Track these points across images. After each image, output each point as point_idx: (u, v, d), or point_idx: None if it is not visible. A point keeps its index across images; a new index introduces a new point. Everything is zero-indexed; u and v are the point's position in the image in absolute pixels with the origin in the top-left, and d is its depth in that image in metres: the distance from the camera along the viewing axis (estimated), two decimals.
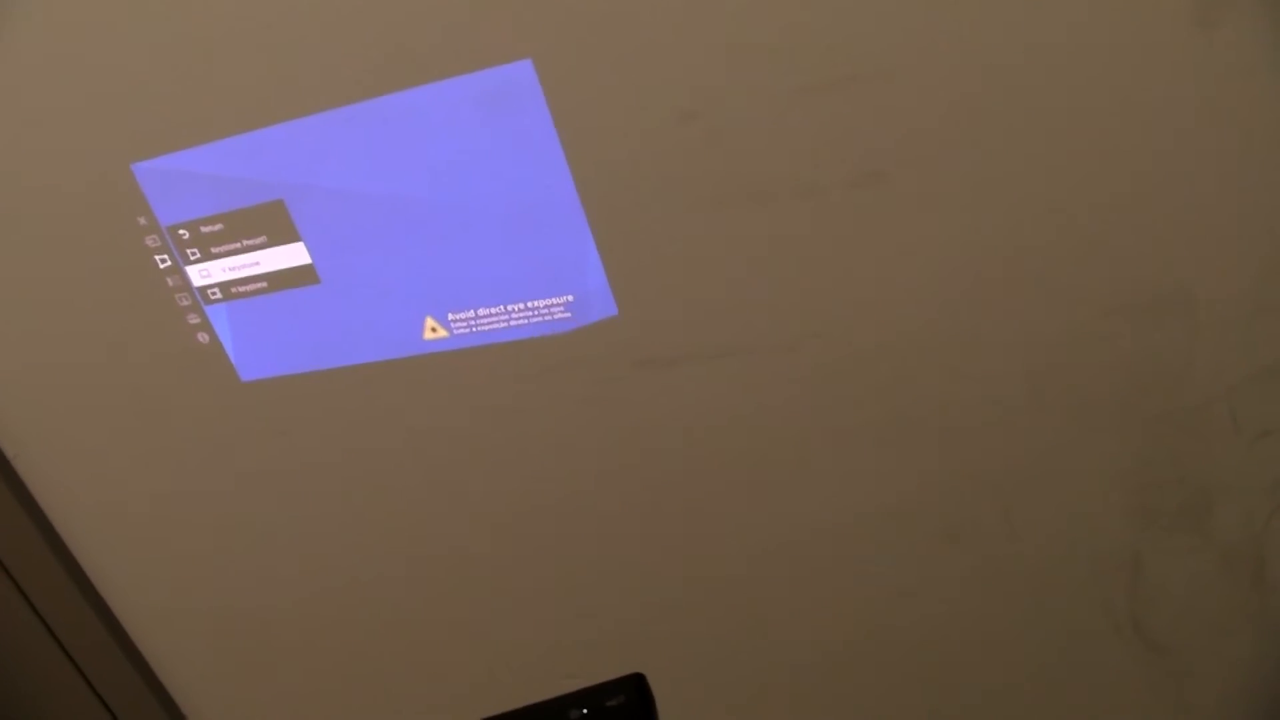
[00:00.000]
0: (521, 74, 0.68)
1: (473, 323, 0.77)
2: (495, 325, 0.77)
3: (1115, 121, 0.60)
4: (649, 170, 0.69)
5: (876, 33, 0.61)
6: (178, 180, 0.79)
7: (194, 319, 0.84)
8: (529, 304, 0.75)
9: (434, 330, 0.79)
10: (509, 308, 0.76)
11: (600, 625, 0.88)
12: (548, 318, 0.75)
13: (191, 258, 0.81)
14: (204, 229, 0.80)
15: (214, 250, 0.81)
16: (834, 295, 0.69)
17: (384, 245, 0.76)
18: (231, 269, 0.81)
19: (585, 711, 0.56)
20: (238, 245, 0.80)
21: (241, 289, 0.81)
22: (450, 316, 0.78)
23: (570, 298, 0.74)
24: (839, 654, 0.84)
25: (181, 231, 0.81)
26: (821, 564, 0.80)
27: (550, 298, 0.75)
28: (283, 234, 0.78)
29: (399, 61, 0.70)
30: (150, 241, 0.82)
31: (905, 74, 0.61)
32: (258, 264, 0.80)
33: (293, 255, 0.79)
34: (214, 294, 0.82)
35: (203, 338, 0.85)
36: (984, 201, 0.64)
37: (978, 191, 0.64)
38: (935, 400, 0.71)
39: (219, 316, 0.83)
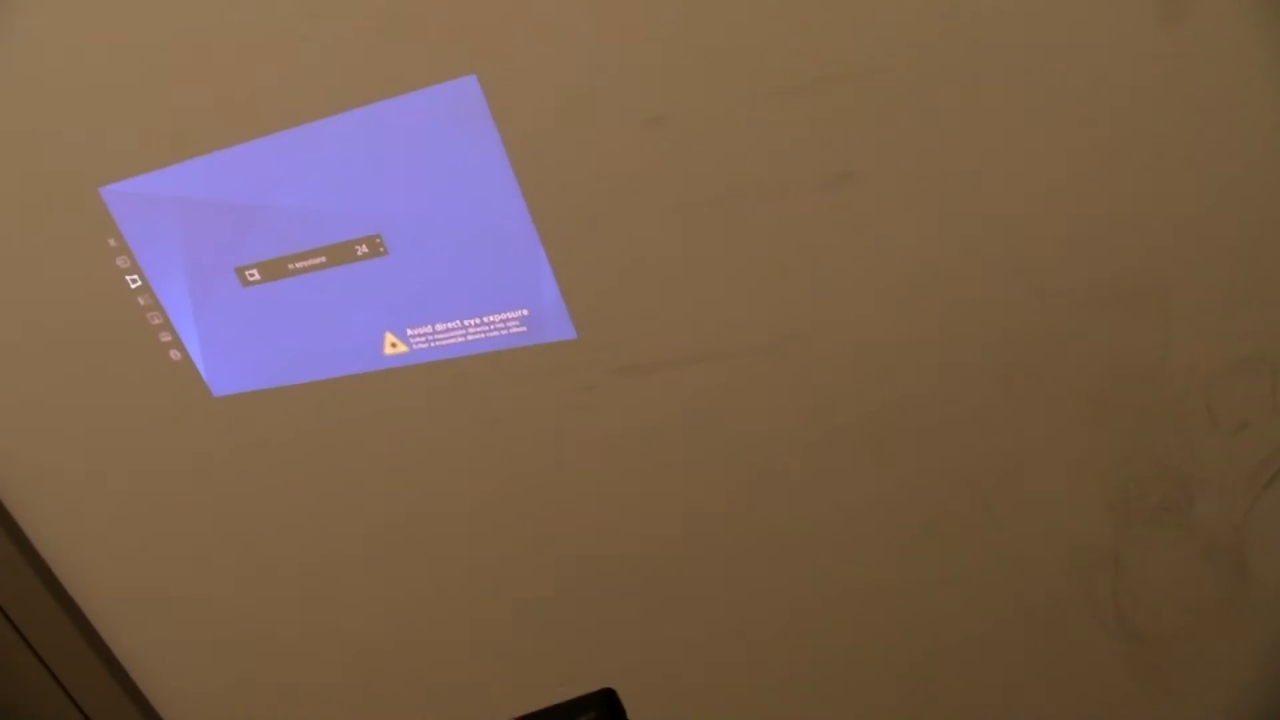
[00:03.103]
0: (467, 90, 0.68)
1: (430, 338, 0.78)
2: (453, 340, 0.77)
3: (1084, 117, 0.59)
4: (610, 179, 0.68)
5: (844, 33, 0.60)
6: (144, 202, 0.80)
7: (165, 337, 0.86)
8: (484, 319, 0.76)
9: (394, 345, 0.79)
10: (465, 323, 0.76)
11: (575, 635, 0.89)
12: (504, 332, 0.76)
13: None
14: None
15: None
16: (809, 296, 0.69)
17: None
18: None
19: None
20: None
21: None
22: (409, 331, 0.78)
23: (525, 312, 0.74)
24: (820, 654, 0.84)
25: None
26: (801, 564, 0.80)
27: (505, 312, 0.75)
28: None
29: (351, 80, 0.70)
30: (121, 262, 0.83)
31: (874, 74, 0.61)
32: None
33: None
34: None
35: (175, 355, 0.86)
36: (955, 199, 0.63)
37: (948, 190, 0.63)
38: (912, 398, 0.71)
39: (189, 333, 0.85)
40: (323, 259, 0.78)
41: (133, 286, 0.84)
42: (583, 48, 0.65)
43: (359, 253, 0.76)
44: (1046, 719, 0.79)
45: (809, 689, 0.86)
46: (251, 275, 0.80)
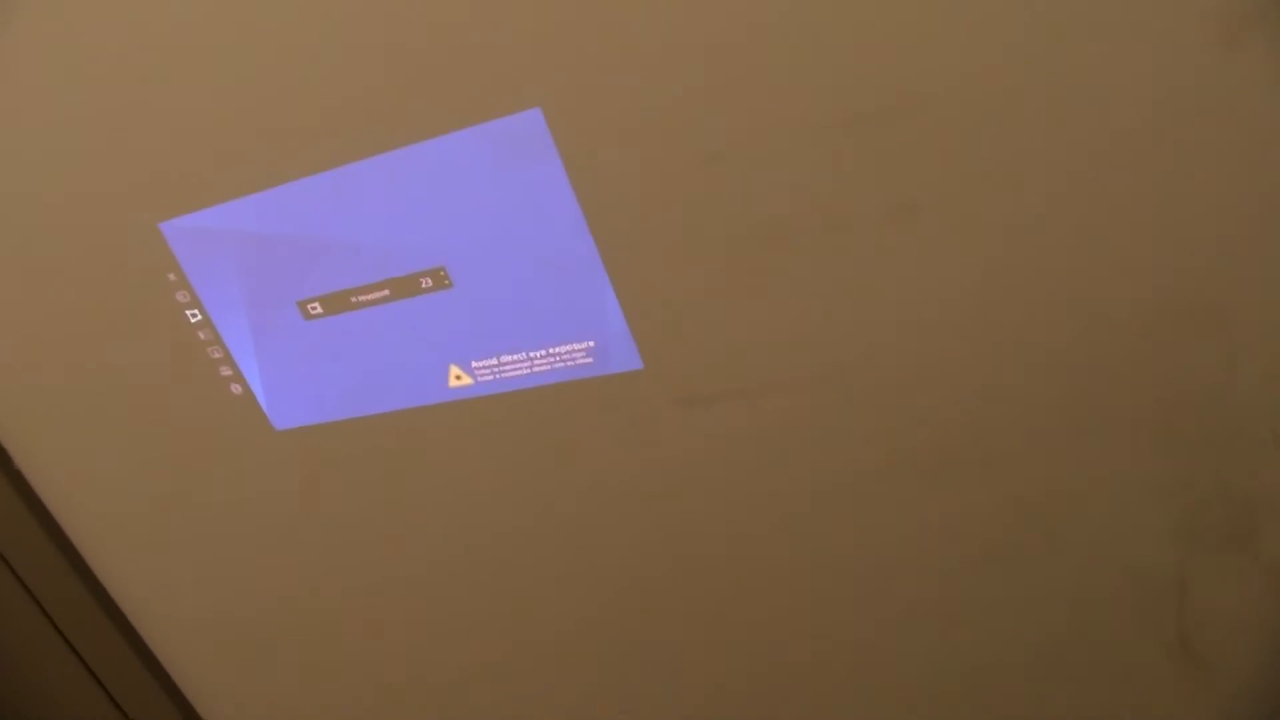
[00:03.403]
0: (531, 123, 0.68)
1: (496, 370, 0.78)
2: (519, 372, 0.77)
3: (1147, 143, 0.58)
4: (670, 212, 0.68)
5: (903, 63, 0.60)
6: (204, 237, 0.80)
7: (226, 371, 0.86)
8: (551, 350, 0.75)
9: (459, 378, 0.79)
10: (531, 354, 0.76)
11: (637, 668, 0.89)
12: (570, 363, 0.75)
13: None
14: None
15: None
16: (870, 327, 0.68)
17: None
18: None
19: None
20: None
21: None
22: (474, 364, 0.78)
23: (591, 343, 0.74)
24: (878, 683, 0.83)
25: None
26: (859, 595, 0.79)
27: (571, 343, 0.75)
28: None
29: (414, 114, 0.70)
30: (180, 297, 0.84)
31: (933, 104, 0.60)
32: None
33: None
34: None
35: (236, 389, 0.86)
36: (1016, 228, 0.62)
37: (1010, 218, 0.62)
38: (973, 427, 0.70)
39: (250, 367, 0.85)
40: (386, 292, 0.78)
41: (193, 321, 0.84)
42: (644, 80, 0.64)
43: (423, 285, 0.76)
44: None
45: (867, 714, 0.85)
46: (314, 309, 0.80)
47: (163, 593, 0.99)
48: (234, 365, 0.85)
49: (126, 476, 0.93)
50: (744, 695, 0.87)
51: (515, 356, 0.77)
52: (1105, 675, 0.76)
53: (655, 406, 0.76)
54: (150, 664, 1.00)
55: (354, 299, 0.79)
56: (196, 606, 0.99)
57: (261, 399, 0.86)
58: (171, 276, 0.83)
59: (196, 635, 1.01)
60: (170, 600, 1.00)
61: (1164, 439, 0.67)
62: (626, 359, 0.74)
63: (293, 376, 0.84)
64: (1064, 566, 0.73)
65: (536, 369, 0.76)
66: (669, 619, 0.85)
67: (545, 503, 0.83)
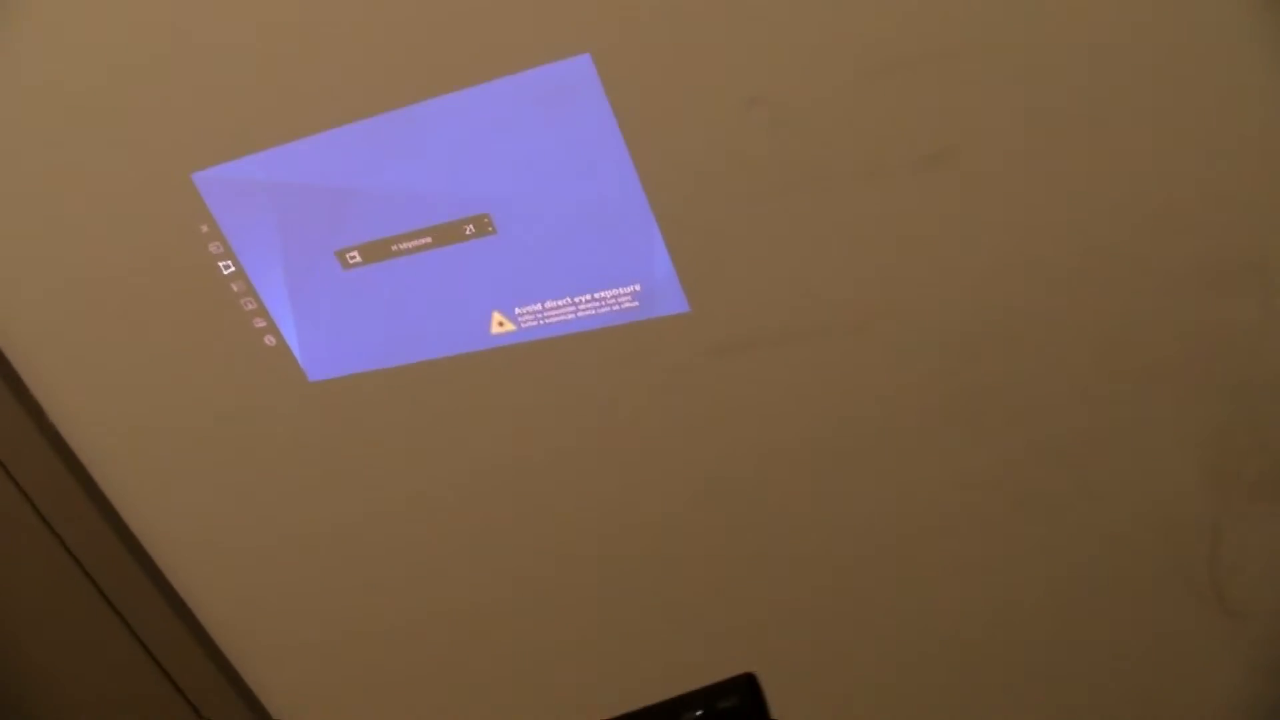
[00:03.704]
0: (581, 69, 0.69)
1: (540, 315, 0.79)
2: (563, 317, 0.78)
3: (1188, 93, 0.59)
4: (714, 157, 0.69)
5: (940, 11, 0.60)
6: (238, 187, 0.80)
7: (260, 323, 0.86)
8: (596, 295, 0.76)
9: (501, 324, 0.80)
10: (576, 299, 0.77)
11: (690, 621, 0.89)
12: (615, 308, 0.76)
13: None
14: None
15: None
16: (905, 274, 0.70)
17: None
18: None
19: (699, 713, 0.56)
20: None
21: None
22: (517, 310, 0.79)
23: (637, 287, 0.75)
24: (913, 629, 0.85)
25: None
26: (894, 543, 0.81)
27: (617, 288, 0.76)
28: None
29: (458, 61, 0.70)
30: (214, 249, 0.83)
31: (971, 51, 0.61)
32: None
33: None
34: None
35: (270, 341, 0.86)
36: (1054, 176, 0.64)
37: (1048, 167, 0.63)
38: (1008, 375, 0.71)
39: (284, 318, 0.85)
40: (428, 239, 0.78)
41: (225, 273, 0.84)
42: (691, 26, 0.65)
43: (467, 232, 0.77)
44: (1142, 691, 0.80)
45: (903, 661, 0.87)
46: (352, 258, 0.80)
47: (195, 546, 0.99)
48: (268, 317, 0.85)
49: (157, 431, 0.93)
50: (787, 644, 0.89)
51: (559, 302, 0.78)
52: (1137, 622, 0.78)
53: (698, 351, 0.77)
54: (178, 607, 1.00)
55: (394, 247, 0.79)
56: (227, 559, 0.99)
57: (296, 350, 0.86)
58: (204, 228, 0.82)
59: (232, 588, 1.00)
60: (203, 552, 0.99)
61: (1199, 389, 0.68)
62: (673, 302, 0.75)
63: (329, 327, 0.84)
64: (1097, 513, 0.75)
65: (581, 314, 0.77)
66: (706, 564, 0.87)
67: (589, 448, 0.84)
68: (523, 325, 0.80)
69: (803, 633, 0.88)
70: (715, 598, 0.88)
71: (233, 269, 0.84)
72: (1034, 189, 0.64)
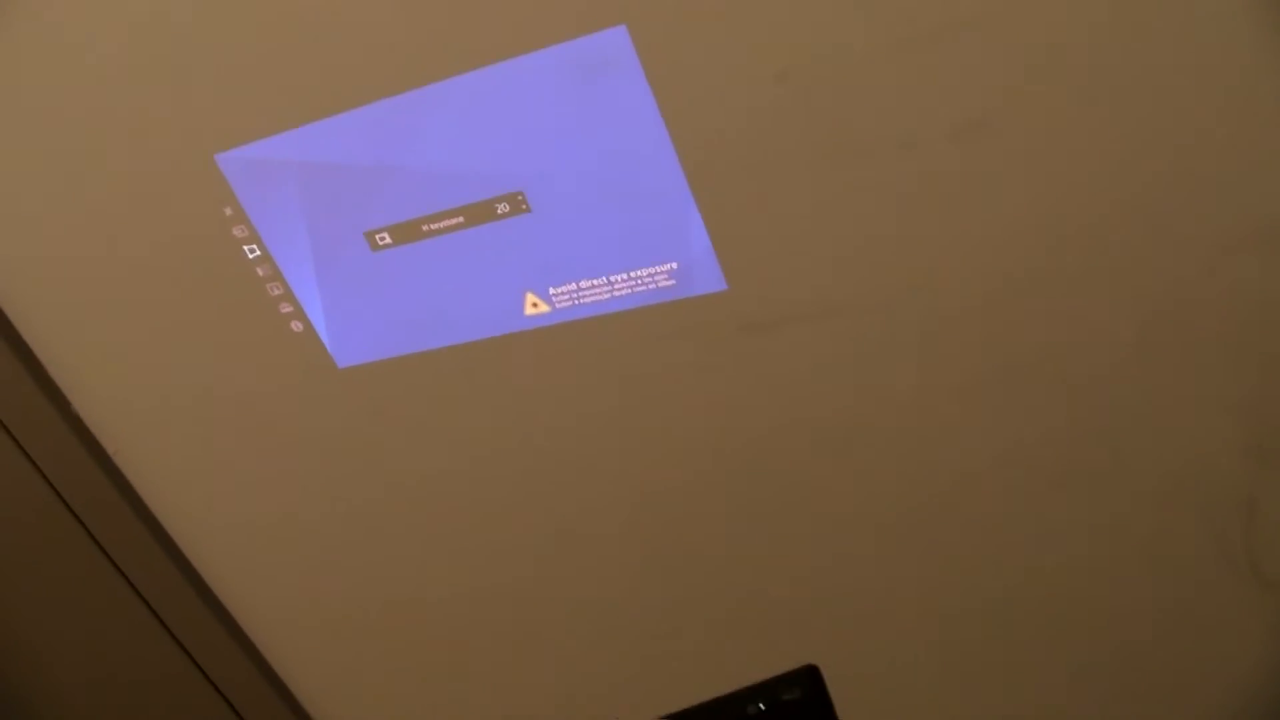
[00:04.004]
0: (617, 41, 0.67)
1: (575, 295, 0.77)
2: (598, 297, 0.76)
3: (1222, 57, 0.58)
4: (747, 131, 0.68)
5: None
6: (264, 168, 0.78)
7: (286, 308, 0.84)
8: (632, 274, 0.75)
9: (535, 305, 0.78)
10: (612, 278, 0.76)
11: (728, 600, 0.88)
12: (652, 286, 0.75)
13: None
14: None
15: None
16: (939, 247, 0.68)
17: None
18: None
19: (762, 706, 0.56)
20: None
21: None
22: (551, 290, 0.77)
23: (674, 265, 0.74)
24: (954, 606, 0.84)
25: None
26: (933, 519, 0.80)
27: (654, 266, 0.74)
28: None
29: (489, 34, 0.69)
30: (238, 232, 0.82)
31: (1001, 20, 0.60)
32: None
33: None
34: None
35: (297, 326, 0.85)
36: (1089, 144, 0.62)
37: (1082, 135, 0.62)
38: (1044, 347, 0.70)
39: (312, 303, 0.83)
40: (460, 219, 0.76)
41: (251, 257, 0.82)
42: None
43: (499, 211, 0.75)
44: (1178, 662, 0.79)
45: (946, 638, 0.86)
46: (382, 239, 0.79)
47: (223, 535, 0.98)
48: (295, 302, 0.84)
49: (182, 420, 0.91)
50: (834, 629, 0.88)
51: (595, 281, 0.76)
52: (1172, 594, 0.77)
53: (736, 328, 0.75)
54: (205, 596, 0.99)
55: (425, 228, 0.77)
56: (255, 547, 0.98)
57: (324, 335, 0.85)
58: (228, 211, 0.81)
59: (260, 577, 0.99)
60: (231, 541, 0.98)
61: (1237, 359, 0.67)
62: (710, 280, 0.73)
63: (358, 311, 0.83)
64: (1132, 485, 0.74)
65: (617, 293, 0.76)
66: (745, 543, 0.86)
67: (628, 429, 0.82)
68: (557, 306, 0.78)
69: (845, 610, 0.87)
70: (755, 578, 0.87)
71: (258, 253, 0.82)
72: (1072, 156, 0.63)
